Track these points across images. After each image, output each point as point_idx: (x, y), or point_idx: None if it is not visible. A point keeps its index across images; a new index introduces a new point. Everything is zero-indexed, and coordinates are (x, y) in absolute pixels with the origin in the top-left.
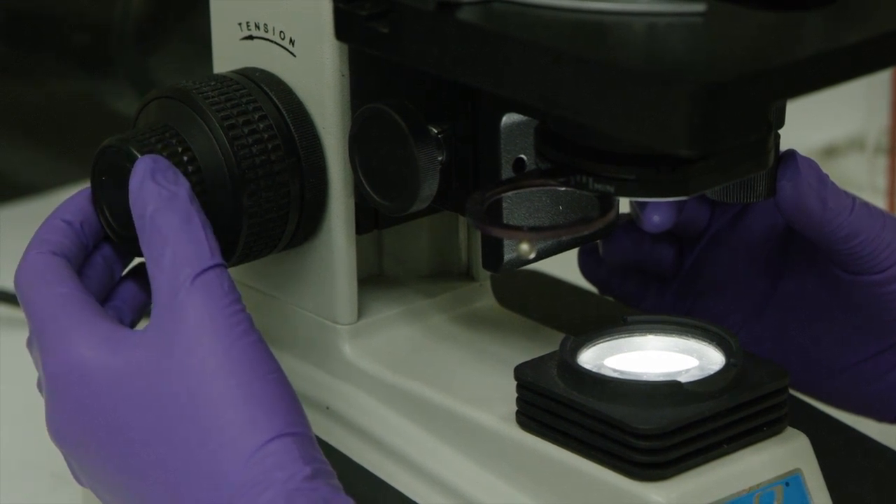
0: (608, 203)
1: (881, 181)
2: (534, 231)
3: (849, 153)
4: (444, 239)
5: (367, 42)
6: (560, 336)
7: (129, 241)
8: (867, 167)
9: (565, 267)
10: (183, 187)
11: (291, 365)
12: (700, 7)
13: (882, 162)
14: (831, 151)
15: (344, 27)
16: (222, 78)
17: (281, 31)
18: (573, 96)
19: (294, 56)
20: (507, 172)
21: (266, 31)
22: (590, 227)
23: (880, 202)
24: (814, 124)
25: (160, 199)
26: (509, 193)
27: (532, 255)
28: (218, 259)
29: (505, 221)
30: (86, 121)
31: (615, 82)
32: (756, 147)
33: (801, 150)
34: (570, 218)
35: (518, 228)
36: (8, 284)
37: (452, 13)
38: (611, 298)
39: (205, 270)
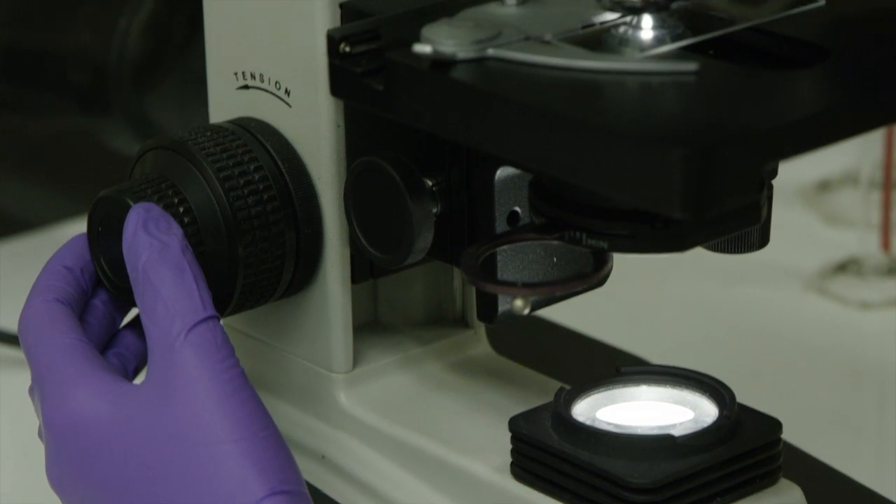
0: (602, 258)
1: (875, 216)
2: (528, 287)
3: (842, 188)
4: (439, 286)
5: (362, 99)
6: (555, 384)
7: (125, 292)
8: (861, 202)
9: (561, 311)
10: (175, 237)
11: (287, 412)
12: (693, 66)
13: (876, 197)
14: (825, 186)
15: (339, 83)
16: (218, 128)
17: (277, 82)
18: (566, 158)
19: (290, 107)
20: (501, 225)
21: (262, 82)
22: (584, 282)
23: (874, 238)
24: (807, 159)
25: (152, 250)
26: (503, 247)
27: (526, 311)
28: (210, 311)
29: (499, 277)
30: (83, 158)
31: (608, 145)
32: (749, 202)
33: (795, 184)
34: (565, 269)
35: (512, 284)
36: (4, 322)
37: (446, 72)
38: (606, 344)
39: (197, 324)
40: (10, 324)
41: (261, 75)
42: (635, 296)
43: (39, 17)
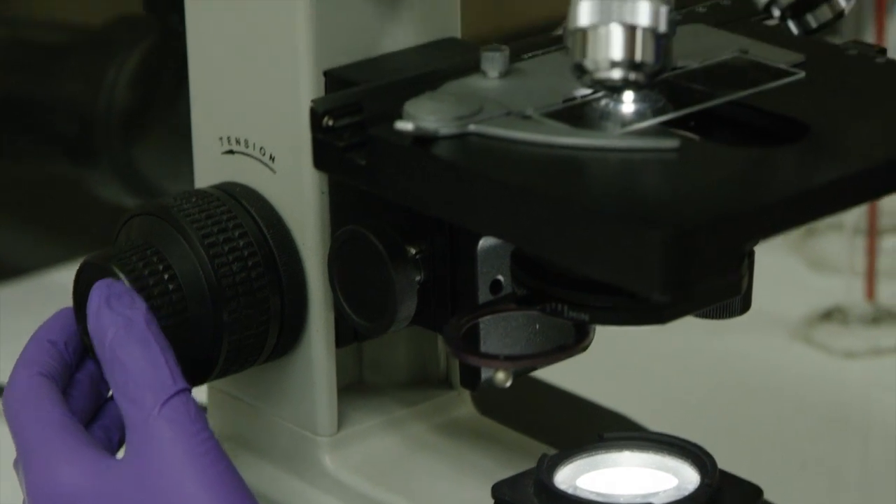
0: (584, 329)
1: (859, 262)
2: (510, 361)
3: (827, 233)
4: (424, 347)
5: (345, 172)
6: (539, 447)
7: None
8: (846, 248)
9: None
10: (139, 311)
11: (272, 474)
12: (674, 143)
13: (860, 243)
14: (810, 231)
15: (322, 156)
16: (203, 194)
17: (261, 148)
18: (546, 236)
19: (274, 172)
20: (484, 294)
21: (247, 147)
22: (566, 354)
23: (859, 285)
24: None
25: (117, 326)
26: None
27: (508, 384)
28: (181, 384)
29: (482, 345)
30: (71, 206)
31: (588, 225)
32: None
33: None
34: (548, 336)
35: (494, 357)
36: None
37: (428, 148)
38: (591, 402)
39: (169, 398)
40: None
41: (245, 141)
42: (620, 345)
43: (29, 67)
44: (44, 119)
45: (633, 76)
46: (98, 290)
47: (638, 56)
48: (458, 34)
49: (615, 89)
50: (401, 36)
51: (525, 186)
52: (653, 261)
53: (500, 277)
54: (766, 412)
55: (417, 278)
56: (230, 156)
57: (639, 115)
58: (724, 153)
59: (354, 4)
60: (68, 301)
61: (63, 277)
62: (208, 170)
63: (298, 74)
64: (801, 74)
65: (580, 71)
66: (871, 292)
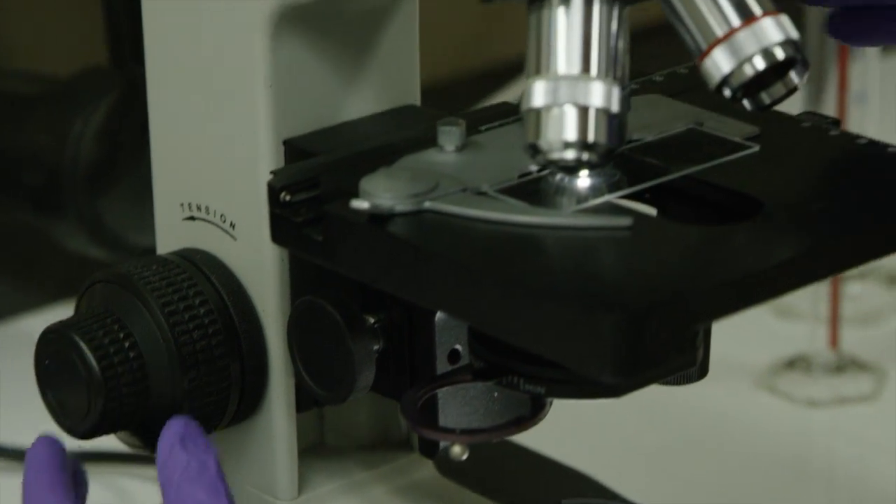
0: (540, 402)
1: (823, 309)
2: (465, 434)
3: None
4: (385, 409)
5: (302, 248)
6: None
7: (76, 432)
8: (810, 296)
9: None
10: (212, 456)
11: None
12: (627, 221)
13: (824, 289)
14: None
15: (279, 231)
16: (163, 261)
17: (222, 215)
18: (499, 317)
19: (235, 239)
20: (442, 364)
21: (207, 214)
22: (522, 428)
23: (822, 332)
24: None
25: (189, 468)
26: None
27: (464, 457)
28: None
29: (440, 417)
30: (37, 256)
31: (540, 307)
32: None
33: None
34: (507, 405)
35: (450, 431)
36: None
37: (384, 226)
38: (553, 461)
39: None
40: None
41: (206, 207)
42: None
43: None
44: (10, 170)
45: (586, 156)
46: (174, 427)
47: (591, 137)
48: (417, 101)
49: (569, 169)
50: (361, 103)
51: (478, 267)
52: (604, 345)
53: (459, 347)
54: (730, 462)
55: (376, 347)
56: (191, 222)
57: (594, 190)
58: (678, 231)
59: (314, 73)
60: (33, 348)
61: (29, 325)
62: (170, 235)
63: (258, 144)
64: (756, 148)
65: (534, 151)
66: (834, 340)
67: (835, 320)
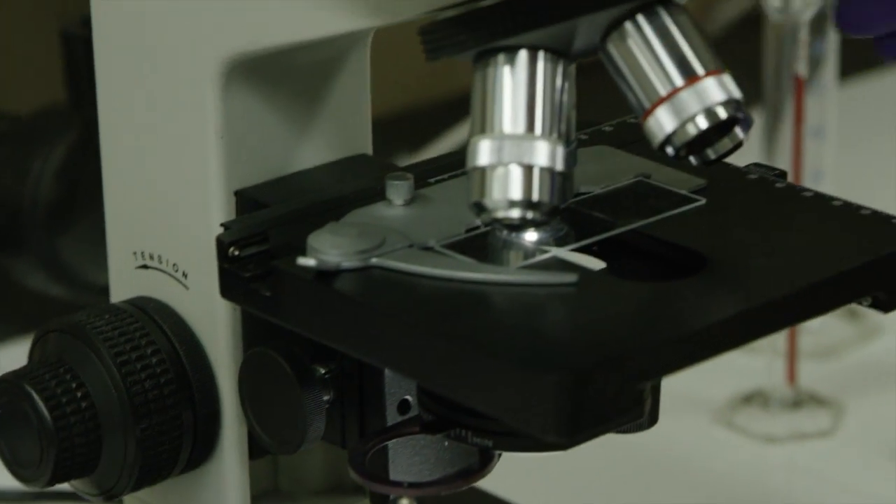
0: (489, 454)
1: (781, 343)
2: (413, 488)
3: None
4: (339, 455)
5: (250, 302)
6: None
7: (28, 479)
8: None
9: None
10: None
11: None
12: (572, 278)
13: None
14: None
15: (228, 286)
16: (116, 310)
17: (174, 264)
18: (444, 375)
19: (187, 289)
20: (392, 414)
21: (160, 263)
22: (470, 480)
23: (780, 366)
24: None
25: None
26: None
27: None
28: None
29: (390, 467)
30: None
31: (483, 367)
32: None
33: None
34: (457, 454)
35: (398, 485)
36: None
37: (331, 283)
38: (506, 500)
39: None
40: None
41: (159, 256)
42: None
43: None
44: None
45: (530, 215)
46: None
47: (535, 196)
48: (369, 149)
49: (513, 227)
50: (312, 153)
51: (423, 324)
52: (547, 405)
53: (409, 397)
54: (687, 498)
55: (326, 398)
56: (144, 270)
57: (540, 244)
58: (623, 287)
59: (265, 124)
60: None
61: None
62: (123, 282)
63: (209, 194)
64: (702, 201)
65: (479, 209)
66: (792, 375)
67: (792, 355)
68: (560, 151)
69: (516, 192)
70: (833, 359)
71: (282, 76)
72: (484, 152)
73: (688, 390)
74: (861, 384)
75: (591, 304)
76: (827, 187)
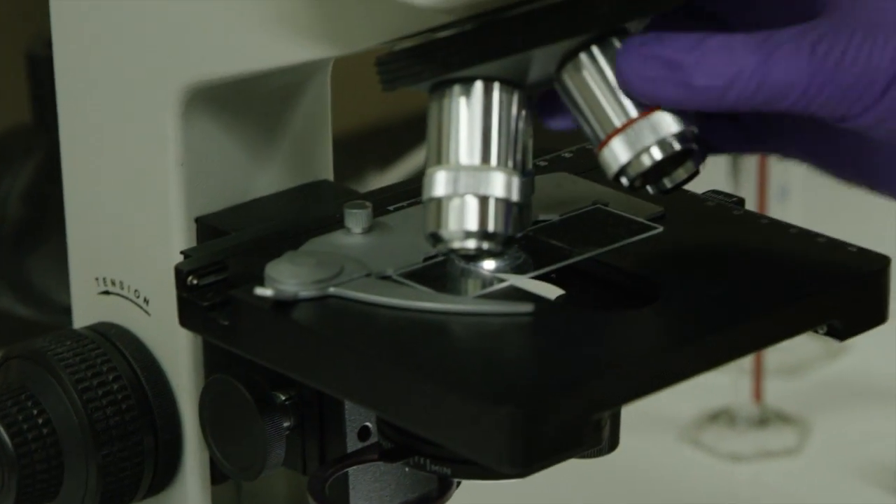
0: (447, 482)
1: (746, 361)
2: None
3: None
4: (301, 480)
5: (209, 331)
6: None
7: None
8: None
9: None
10: None
11: None
12: (528, 308)
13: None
14: None
15: (187, 315)
16: (77, 336)
17: (136, 290)
18: (401, 406)
19: (149, 315)
20: (352, 441)
21: (122, 289)
22: None
23: (747, 385)
24: None
25: None
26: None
27: None
28: None
29: (350, 492)
30: None
31: (437, 398)
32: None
33: None
34: (418, 478)
35: None
36: None
37: (288, 313)
38: None
39: None
40: None
41: (121, 282)
42: None
43: None
44: None
45: (486, 246)
46: None
47: (491, 226)
48: (330, 175)
49: (469, 258)
50: (273, 179)
51: (378, 355)
52: (502, 437)
53: (369, 424)
54: None
55: (286, 424)
56: (106, 296)
57: (499, 274)
58: (578, 317)
59: (226, 151)
60: None
61: None
62: (86, 308)
63: (169, 221)
64: (659, 229)
65: (435, 239)
66: (758, 393)
67: (759, 372)
68: (516, 181)
69: (472, 223)
70: (799, 376)
71: (242, 103)
72: (440, 183)
73: (654, 408)
74: (827, 402)
75: (546, 334)
76: (793, 202)
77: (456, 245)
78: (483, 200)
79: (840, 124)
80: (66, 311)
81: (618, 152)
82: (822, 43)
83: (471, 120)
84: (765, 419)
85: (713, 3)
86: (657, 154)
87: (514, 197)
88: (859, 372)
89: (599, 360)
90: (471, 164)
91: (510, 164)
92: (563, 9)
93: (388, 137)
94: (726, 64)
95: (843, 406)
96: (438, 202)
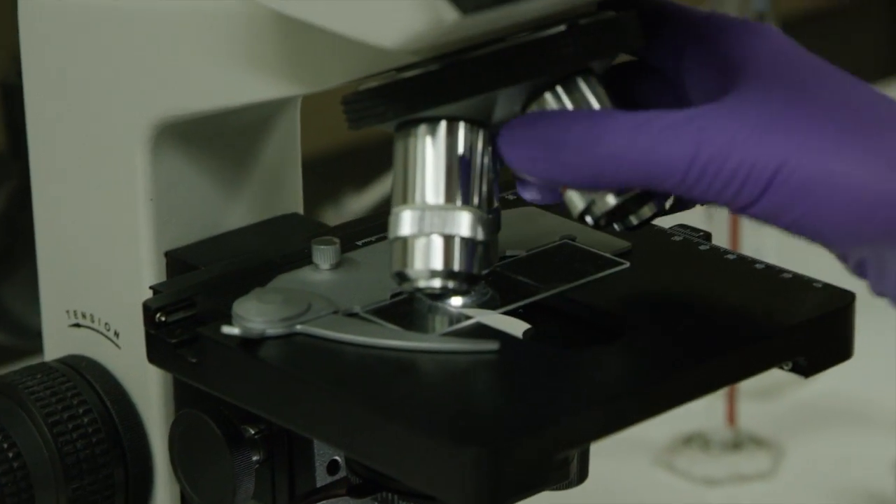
0: None
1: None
2: None
3: None
4: None
5: (177, 368)
6: None
7: None
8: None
9: None
10: None
11: None
12: (493, 346)
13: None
14: None
15: (155, 351)
16: (48, 369)
17: (106, 323)
18: (366, 444)
19: (119, 348)
20: (321, 475)
21: (92, 322)
22: None
23: (720, 408)
24: None
25: None
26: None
27: None
28: None
29: None
30: None
31: (403, 438)
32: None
33: None
34: None
35: None
36: None
37: (255, 351)
38: None
39: None
40: None
41: (91, 315)
42: None
43: None
44: None
45: (452, 284)
46: None
47: (457, 266)
48: (300, 208)
49: (436, 296)
50: (243, 213)
51: (344, 394)
52: (465, 477)
53: (338, 458)
54: None
55: (256, 458)
56: (77, 328)
57: (466, 310)
58: (544, 354)
59: (195, 185)
60: None
61: None
62: (57, 340)
63: (139, 256)
64: (626, 265)
65: (401, 278)
66: (731, 417)
67: (732, 396)
68: (481, 220)
69: (438, 262)
70: (773, 400)
71: (211, 138)
72: (405, 223)
73: (627, 433)
74: (801, 425)
75: (512, 373)
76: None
77: (421, 284)
78: (448, 239)
79: (737, 214)
80: (40, 335)
81: (581, 193)
82: (708, 130)
83: (436, 159)
84: (738, 443)
85: (660, 60)
86: (612, 199)
87: (480, 236)
88: (833, 395)
89: (565, 398)
90: (436, 204)
91: (475, 202)
92: (527, 49)
93: (364, 158)
94: (604, 144)
95: (817, 429)
96: (404, 241)
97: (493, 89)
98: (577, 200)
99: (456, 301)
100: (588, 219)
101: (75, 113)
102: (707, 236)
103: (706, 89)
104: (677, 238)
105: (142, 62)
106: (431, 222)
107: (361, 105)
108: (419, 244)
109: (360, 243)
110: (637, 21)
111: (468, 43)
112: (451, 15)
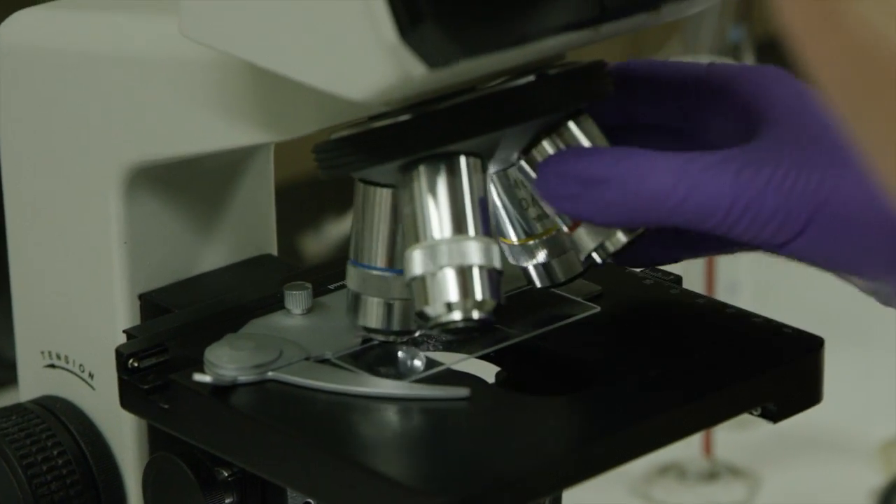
0: None
1: None
2: None
3: None
4: None
5: (149, 414)
6: None
7: None
8: None
9: None
10: None
11: None
12: (464, 393)
13: None
14: None
15: (127, 397)
16: (22, 410)
17: (81, 365)
18: (336, 493)
19: (94, 389)
20: None
21: (67, 363)
22: None
23: (696, 437)
24: None
25: None
26: None
27: None
28: None
29: None
30: None
31: (373, 488)
32: None
33: None
34: None
35: None
36: None
37: (227, 398)
38: None
39: None
40: None
41: (66, 356)
42: None
43: None
44: None
45: (476, 315)
46: None
47: (479, 295)
48: (274, 249)
49: (458, 331)
50: (217, 255)
51: (313, 442)
52: None
53: (310, 502)
54: None
55: (229, 501)
56: (52, 369)
57: (436, 356)
58: (515, 402)
59: (169, 228)
60: None
61: None
62: (32, 380)
63: (113, 298)
64: (597, 309)
65: (422, 317)
66: (707, 447)
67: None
68: (495, 248)
69: (453, 295)
70: (749, 429)
71: (185, 181)
72: (417, 262)
73: None
74: (777, 455)
75: (482, 420)
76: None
77: (443, 320)
78: (464, 271)
79: (772, 252)
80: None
81: (590, 236)
82: (746, 170)
83: (440, 197)
84: (715, 473)
85: (665, 117)
86: (623, 236)
87: (496, 263)
88: (809, 425)
89: (535, 447)
90: (445, 238)
91: (483, 231)
92: (497, 99)
93: (344, 183)
94: (649, 182)
95: (794, 459)
96: (421, 280)
97: (463, 139)
98: (587, 239)
99: (426, 347)
100: (595, 256)
101: (50, 156)
102: (677, 280)
103: (727, 136)
104: (648, 282)
105: (116, 108)
106: (443, 255)
107: (331, 154)
108: (436, 280)
109: (332, 287)
110: (605, 70)
111: (440, 93)
112: (419, 70)
